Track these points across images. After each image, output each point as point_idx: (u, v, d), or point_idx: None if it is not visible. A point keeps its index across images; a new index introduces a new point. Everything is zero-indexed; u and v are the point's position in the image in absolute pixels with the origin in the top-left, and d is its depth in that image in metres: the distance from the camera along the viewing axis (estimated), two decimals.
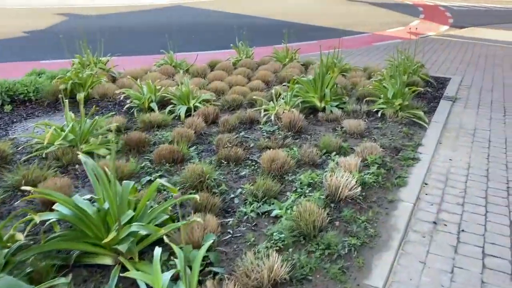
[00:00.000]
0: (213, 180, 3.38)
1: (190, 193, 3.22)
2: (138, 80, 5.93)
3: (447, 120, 5.30)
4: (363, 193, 3.37)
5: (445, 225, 3.11)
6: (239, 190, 3.35)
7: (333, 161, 3.82)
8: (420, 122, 5.07)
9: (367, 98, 5.63)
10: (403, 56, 7.41)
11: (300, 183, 3.42)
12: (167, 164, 3.77)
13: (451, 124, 5.16)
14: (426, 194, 3.53)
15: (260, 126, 4.87)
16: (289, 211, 2.92)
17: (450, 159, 4.19)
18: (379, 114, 5.23)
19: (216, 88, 6.26)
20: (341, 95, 5.70)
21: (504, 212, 3.28)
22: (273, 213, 2.97)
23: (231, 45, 8.59)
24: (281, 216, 2.90)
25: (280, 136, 4.50)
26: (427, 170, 3.93)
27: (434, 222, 3.14)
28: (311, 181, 3.44)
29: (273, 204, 3.07)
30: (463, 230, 3.05)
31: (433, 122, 5.17)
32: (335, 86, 5.67)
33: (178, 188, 3.32)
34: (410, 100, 5.61)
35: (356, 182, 3.31)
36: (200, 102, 5.38)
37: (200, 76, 7.15)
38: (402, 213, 3.20)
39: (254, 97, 5.64)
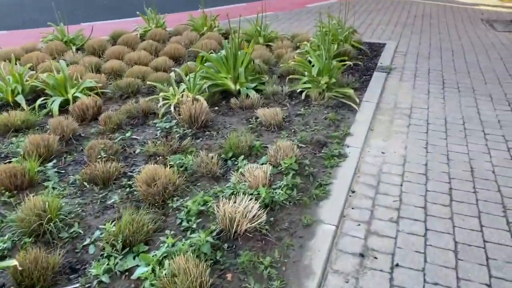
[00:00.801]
0: (61, 219, 2.40)
1: (24, 243, 2.23)
2: (16, 62, 4.66)
3: (380, 98, 4.56)
4: (272, 218, 2.54)
5: (375, 257, 2.36)
6: (98, 231, 2.39)
7: (238, 171, 2.95)
8: (350, 103, 4.29)
9: (290, 76, 4.76)
10: (333, 21, 6.58)
11: (188, 212, 2.52)
12: (6, 192, 2.72)
13: (385, 104, 4.43)
14: (353, 209, 2.77)
15: (156, 121, 3.87)
16: (158, 270, 2.02)
17: (382, 152, 3.46)
18: (303, 96, 4.40)
19: (112, 69, 5.13)
20: (259, 74, 4.79)
21: (447, 227, 2.59)
22: (135, 274, 2.06)
23: (138, 12, 7.32)
24: (146, 279, 2.00)
25: (179, 135, 3.55)
26: (354, 171, 3.17)
27: (361, 255, 2.38)
28: (203, 207, 2.55)
29: (139, 255, 2.16)
30: (397, 265, 2.31)
31: (365, 102, 4.41)
32: (252, 62, 4.74)
33: (7, 236, 2.32)
34: (340, 75, 4.83)
35: (260, 206, 2.46)
36: (82, 91, 4.26)
37: (96, 54, 5.93)
38: (321, 244, 2.41)
39: (148, 82, 4.57)
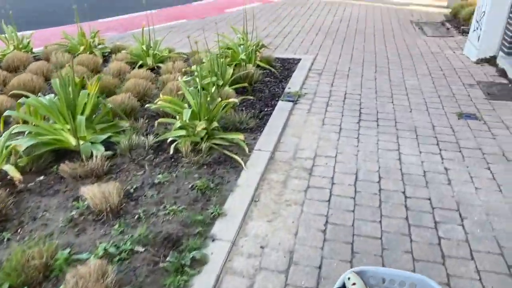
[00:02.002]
0: None
1: None
2: None
3: (278, 143, 3.50)
4: None
5: None
6: None
7: None
8: (235, 157, 3.19)
9: (161, 120, 3.59)
10: (238, 35, 5.50)
11: None
12: None
13: (283, 152, 3.37)
14: None
15: None
16: None
17: (261, 247, 2.37)
18: (172, 150, 3.24)
19: None
20: (117, 119, 3.59)
21: None
22: None
23: None
24: None
25: None
26: None
27: None
28: None
29: None
30: None
31: (256, 151, 3.33)
32: (101, 105, 3.51)
33: None
34: (232, 111, 3.74)
35: None
36: None
37: None
38: None
39: None
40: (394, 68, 5.32)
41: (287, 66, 5.46)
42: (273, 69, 5.13)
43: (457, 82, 4.79)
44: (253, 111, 4.09)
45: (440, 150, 3.37)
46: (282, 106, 4.18)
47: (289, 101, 4.32)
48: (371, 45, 6.41)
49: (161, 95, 3.54)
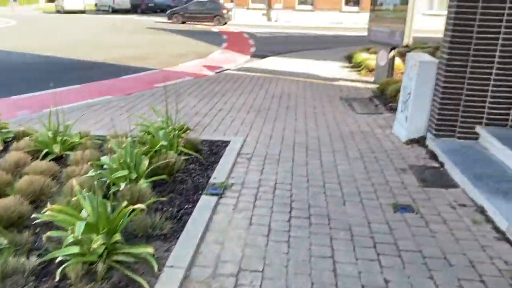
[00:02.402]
0: None
1: None
2: None
3: (195, 255, 2.96)
4: None
5: None
6: None
7: None
8: (140, 280, 2.60)
9: (49, 234, 2.93)
10: (159, 119, 5.08)
11: None
12: None
13: (200, 268, 2.83)
14: None
15: None
16: None
17: None
18: (58, 276, 2.59)
19: None
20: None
21: None
22: None
23: None
24: None
25: None
26: None
27: None
28: None
29: None
30: None
31: (167, 269, 2.76)
32: None
33: None
34: (143, 213, 3.19)
35: None
36: None
37: None
38: None
39: None
40: (325, 150, 5.11)
41: (215, 150, 5.06)
42: (198, 156, 4.70)
43: (390, 166, 4.62)
44: (171, 209, 3.57)
45: (378, 255, 3.00)
46: (204, 203, 3.69)
47: (214, 194, 3.85)
48: (302, 123, 6.26)
49: (48, 204, 2.91)
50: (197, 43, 18.07)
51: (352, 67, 11.88)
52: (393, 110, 6.93)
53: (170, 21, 29.36)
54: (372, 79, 9.90)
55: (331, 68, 11.71)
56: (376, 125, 6.25)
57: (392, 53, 9.03)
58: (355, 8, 31.59)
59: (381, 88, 8.45)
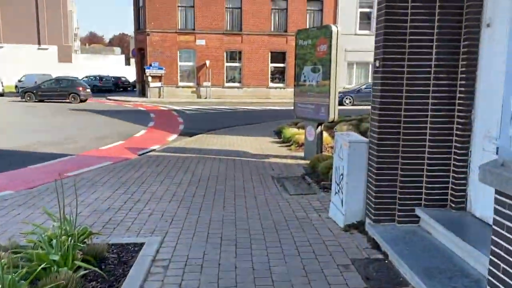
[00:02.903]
0: None
1: None
2: None
3: None
4: None
5: None
6: None
7: None
8: None
9: None
10: (55, 223, 4.16)
11: None
12: None
13: None
14: None
15: None
16: None
17: None
18: None
19: None
20: None
21: None
22: None
23: None
24: None
25: None
26: None
27: None
28: None
29: None
30: None
31: None
32: None
33: None
34: None
35: None
36: None
37: None
38: None
39: None
40: (257, 247, 4.42)
41: (125, 257, 4.17)
42: (99, 271, 3.77)
43: (331, 263, 4.02)
44: None
45: None
46: None
47: None
48: (231, 212, 5.58)
49: None
50: (121, 123, 17.25)
51: (282, 142, 11.71)
52: (327, 189, 6.54)
53: (24, 99, 28.52)
54: (302, 154, 9.66)
55: (261, 144, 11.43)
56: (311, 208, 5.74)
57: (320, 128, 8.92)
58: (281, 85, 33.21)
59: (311, 164, 8.14)
